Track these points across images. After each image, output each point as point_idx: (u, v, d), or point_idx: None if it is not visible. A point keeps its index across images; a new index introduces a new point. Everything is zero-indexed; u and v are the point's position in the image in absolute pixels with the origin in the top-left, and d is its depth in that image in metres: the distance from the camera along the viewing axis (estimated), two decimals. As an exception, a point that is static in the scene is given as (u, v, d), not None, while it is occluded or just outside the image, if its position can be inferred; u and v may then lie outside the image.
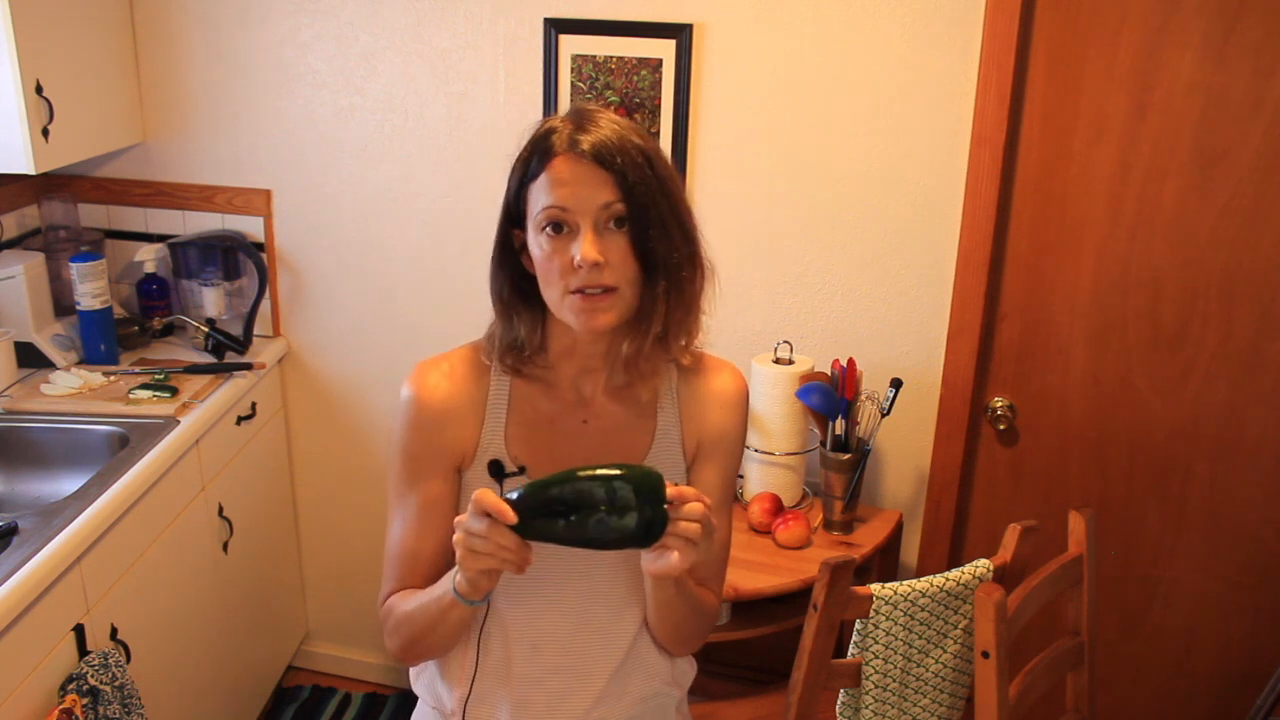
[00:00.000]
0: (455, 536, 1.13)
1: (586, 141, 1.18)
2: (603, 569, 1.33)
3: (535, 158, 1.21)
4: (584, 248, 1.17)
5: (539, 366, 1.31)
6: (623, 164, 1.18)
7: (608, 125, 1.20)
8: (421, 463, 1.30)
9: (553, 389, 1.32)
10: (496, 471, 1.28)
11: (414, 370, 1.31)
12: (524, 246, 1.26)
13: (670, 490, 1.11)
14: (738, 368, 1.41)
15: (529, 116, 2.39)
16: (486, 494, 1.10)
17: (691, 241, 1.25)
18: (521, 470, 1.27)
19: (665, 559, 1.13)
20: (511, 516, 1.09)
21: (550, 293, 1.22)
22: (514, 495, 1.11)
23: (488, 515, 1.10)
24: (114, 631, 1.95)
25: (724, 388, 1.38)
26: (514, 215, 1.26)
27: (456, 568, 1.18)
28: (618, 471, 1.10)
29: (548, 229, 1.19)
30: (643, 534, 1.10)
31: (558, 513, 1.10)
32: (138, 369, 2.46)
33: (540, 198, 1.19)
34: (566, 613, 1.34)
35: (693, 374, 1.36)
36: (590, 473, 1.10)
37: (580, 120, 1.21)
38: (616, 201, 1.18)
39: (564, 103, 2.35)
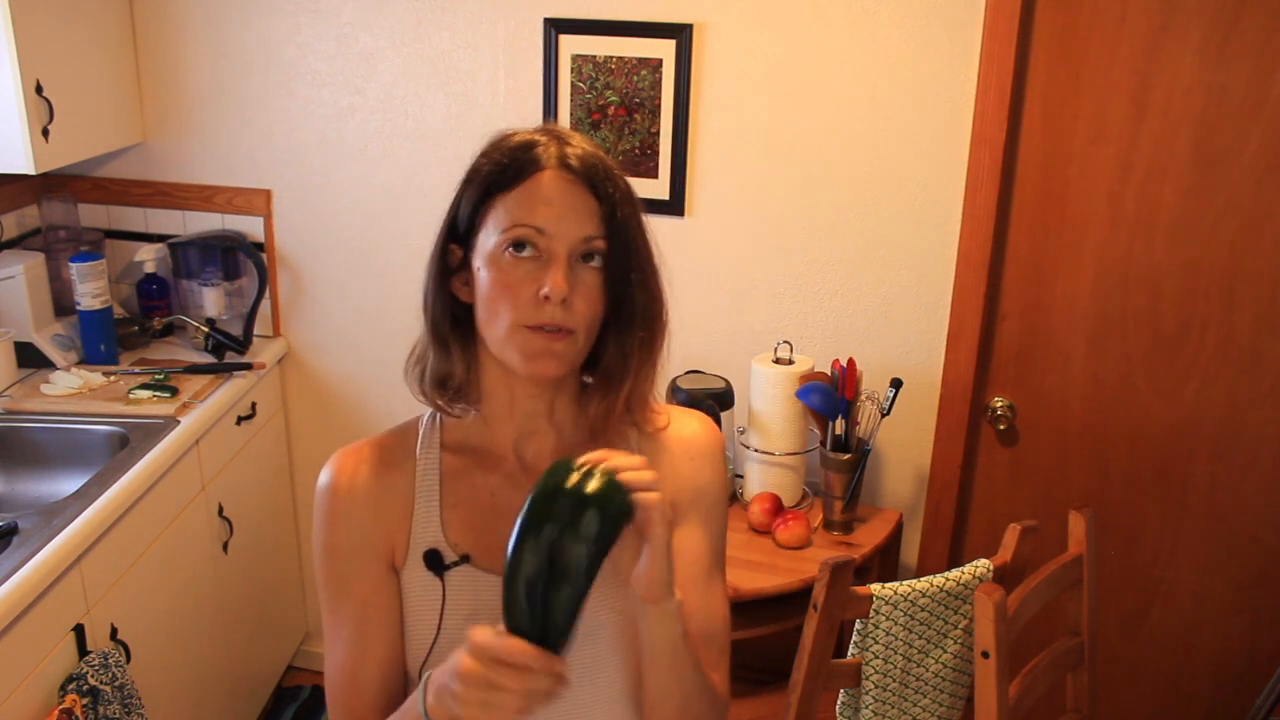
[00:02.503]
0: (457, 689, 0.92)
1: (578, 160, 1.05)
2: (597, 682, 1.11)
3: (512, 167, 1.05)
4: (555, 278, 1.02)
5: (471, 418, 1.14)
6: (613, 194, 1.05)
7: (592, 146, 1.08)
8: (349, 562, 1.11)
9: (490, 459, 1.14)
10: (435, 564, 1.10)
11: (331, 458, 1.14)
12: (458, 268, 1.10)
13: (585, 459, 0.96)
14: (707, 416, 1.25)
15: (529, 116, 2.39)
16: (488, 642, 0.91)
17: (661, 292, 1.12)
18: (465, 559, 1.10)
19: (648, 549, 0.97)
20: (539, 659, 0.90)
21: (497, 324, 1.05)
22: (512, 622, 0.93)
23: (502, 659, 0.90)
24: (114, 631, 1.95)
25: (694, 438, 1.20)
26: (457, 230, 1.10)
27: (420, 686, 0.99)
28: (571, 505, 0.92)
29: (510, 249, 1.04)
30: (619, 523, 0.94)
31: (551, 584, 0.92)
32: (138, 369, 2.46)
33: (512, 212, 1.04)
34: None
35: (655, 428, 1.19)
36: (553, 531, 0.92)
37: (561, 137, 1.08)
38: (599, 237, 1.05)
39: (564, 103, 2.35)
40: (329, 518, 1.12)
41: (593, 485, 0.93)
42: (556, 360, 1.05)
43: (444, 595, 1.10)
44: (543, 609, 0.92)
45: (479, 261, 1.07)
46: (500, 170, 1.06)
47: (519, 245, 1.04)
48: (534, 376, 1.06)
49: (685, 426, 1.21)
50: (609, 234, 1.05)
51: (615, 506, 0.94)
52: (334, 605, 1.12)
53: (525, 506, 0.94)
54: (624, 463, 0.96)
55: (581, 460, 0.96)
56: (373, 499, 1.12)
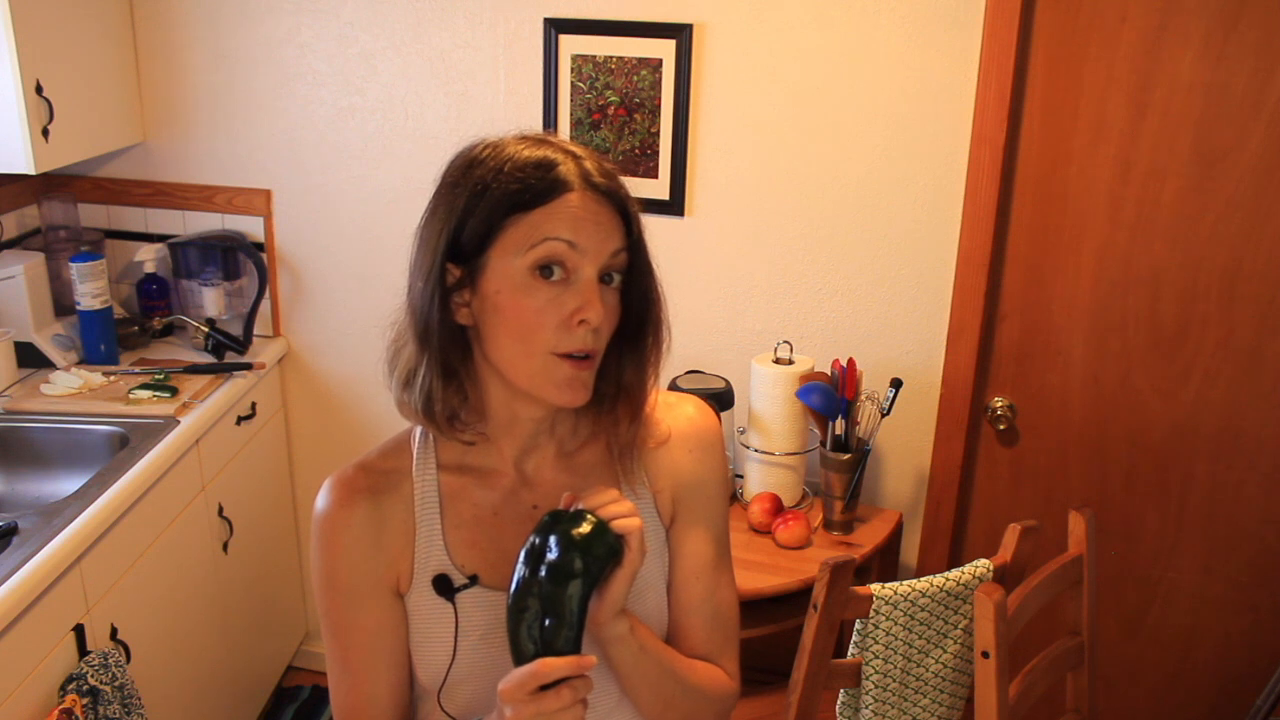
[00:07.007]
0: None
1: (601, 176, 1.03)
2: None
3: (537, 186, 1.01)
4: (594, 303, 1.00)
5: (475, 434, 1.10)
6: (633, 211, 1.04)
7: (597, 157, 1.06)
8: (354, 595, 1.09)
9: (489, 475, 1.12)
10: (444, 588, 1.09)
11: (326, 485, 1.11)
12: (455, 287, 1.04)
13: (569, 502, 1.03)
14: (700, 401, 1.21)
15: (529, 116, 2.39)
16: (521, 679, 0.96)
17: (664, 302, 1.10)
18: (473, 580, 1.09)
19: (620, 574, 1.01)
20: (571, 664, 0.97)
21: (524, 350, 1.02)
22: (535, 645, 1.00)
23: (542, 684, 0.96)
24: (114, 631, 1.95)
25: (692, 426, 1.17)
26: (460, 249, 1.04)
27: None
28: (563, 554, 0.99)
29: (538, 271, 1.00)
30: (606, 562, 1.01)
31: (552, 628, 1.00)
32: (138, 369, 2.46)
33: (540, 228, 1.00)
34: None
35: (657, 443, 1.15)
36: (549, 580, 0.99)
37: (574, 153, 1.04)
38: (623, 250, 1.03)
39: (564, 103, 2.35)
40: (329, 551, 1.09)
41: (581, 530, 0.99)
42: (585, 389, 1.04)
43: (456, 618, 1.09)
44: (545, 650, 1.00)
45: (495, 285, 1.02)
46: (521, 189, 1.01)
47: (546, 269, 1.00)
48: (565, 405, 1.04)
49: (681, 416, 1.17)
50: (630, 246, 1.04)
51: (604, 547, 1.00)
52: (339, 633, 1.11)
53: (521, 558, 1.01)
54: (603, 499, 1.01)
55: (566, 506, 1.02)
56: (372, 529, 1.09)
